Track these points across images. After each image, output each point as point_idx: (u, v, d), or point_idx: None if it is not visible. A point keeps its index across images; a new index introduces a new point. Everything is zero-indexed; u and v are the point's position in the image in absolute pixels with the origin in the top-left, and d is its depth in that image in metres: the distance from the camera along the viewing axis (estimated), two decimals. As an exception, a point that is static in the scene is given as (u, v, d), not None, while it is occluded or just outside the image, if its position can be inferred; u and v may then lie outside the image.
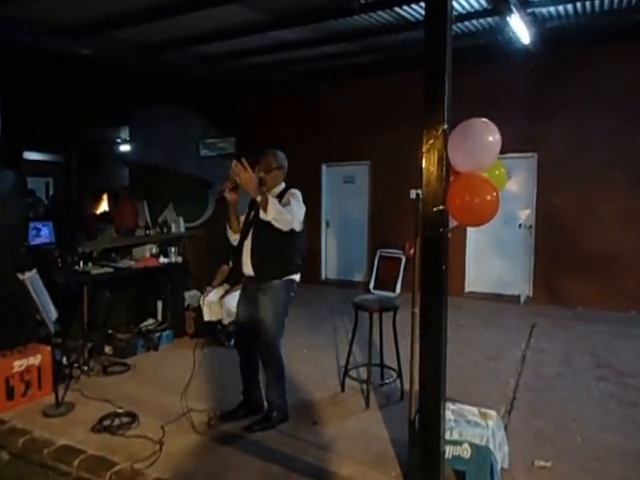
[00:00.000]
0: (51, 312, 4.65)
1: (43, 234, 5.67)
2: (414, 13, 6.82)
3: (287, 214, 3.89)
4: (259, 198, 3.83)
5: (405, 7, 6.60)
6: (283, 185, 4.31)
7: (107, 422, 4.30)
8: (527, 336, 6.91)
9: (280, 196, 4.16)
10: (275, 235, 3.97)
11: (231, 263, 6.45)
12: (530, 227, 9.11)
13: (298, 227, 4.07)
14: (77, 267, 5.98)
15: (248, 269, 4.22)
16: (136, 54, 8.22)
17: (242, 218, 4.35)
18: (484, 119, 3.01)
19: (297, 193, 4.18)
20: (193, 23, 6.98)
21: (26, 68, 7.86)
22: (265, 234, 4.04)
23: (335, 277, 11.04)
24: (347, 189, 10.93)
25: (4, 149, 5.87)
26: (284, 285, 4.19)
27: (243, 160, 3.83)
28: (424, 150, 3.09)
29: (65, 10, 6.47)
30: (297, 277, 4.31)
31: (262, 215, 3.87)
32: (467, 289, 9.56)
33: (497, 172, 3.24)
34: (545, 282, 8.95)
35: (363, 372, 5.12)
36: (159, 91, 11.44)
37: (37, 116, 11.52)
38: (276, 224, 3.88)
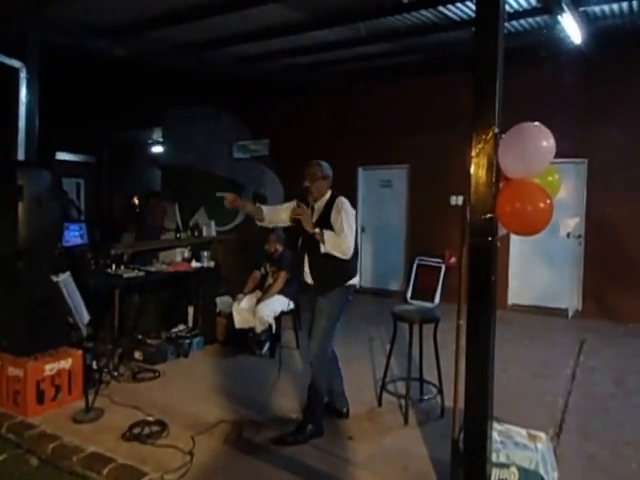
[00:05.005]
0: (84, 315, 4.59)
1: (78, 235, 5.66)
2: (459, 12, 6.64)
3: (342, 244, 4.11)
4: (317, 230, 4.12)
5: (449, 6, 6.43)
6: (329, 193, 4.41)
7: (137, 430, 4.25)
8: (576, 352, 6.56)
9: (328, 206, 4.31)
10: None
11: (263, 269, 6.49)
12: (579, 237, 8.68)
13: (351, 250, 4.19)
14: (109, 270, 5.94)
15: (309, 279, 4.38)
16: (171, 54, 8.17)
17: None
18: (537, 123, 2.89)
19: (347, 208, 4.28)
20: (230, 23, 6.86)
21: (59, 68, 7.82)
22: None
23: (370, 285, 10.66)
24: (384, 193, 10.66)
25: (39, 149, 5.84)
26: (343, 291, 4.30)
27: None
28: (473, 154, 2.99)
29: (99, 10, 6.42)
30: (355, 281, 4.40)
31: (322, 249, 4.14)
32: (510, 301, 9.14)
33: (550, 178, 3.10)
34: (595, 295, 8.47)
35: (401, 386, 4.94)
36: (193, 92, 11.34)
37: (70, 116, 11.48)
38: (333, 253, 4.12)
